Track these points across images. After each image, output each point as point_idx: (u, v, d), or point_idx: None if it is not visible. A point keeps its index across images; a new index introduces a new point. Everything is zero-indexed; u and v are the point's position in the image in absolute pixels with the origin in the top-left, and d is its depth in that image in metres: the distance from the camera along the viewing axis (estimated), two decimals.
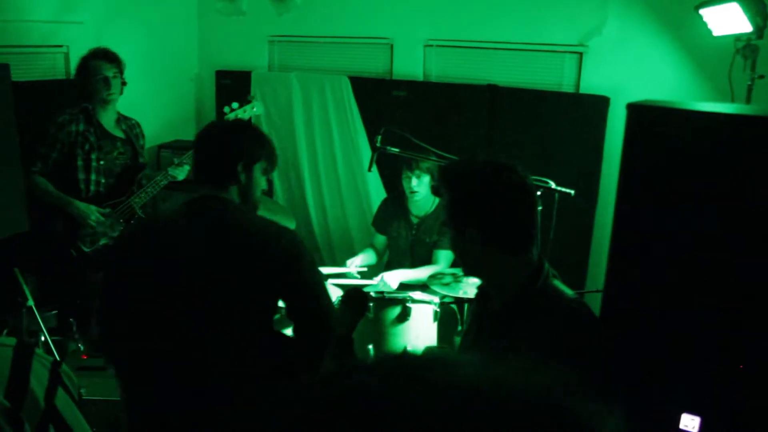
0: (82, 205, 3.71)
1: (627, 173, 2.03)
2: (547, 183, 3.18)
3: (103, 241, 3.81)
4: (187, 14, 5.67)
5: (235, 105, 3.91)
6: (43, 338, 3.68)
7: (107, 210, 3.79)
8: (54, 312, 3.99)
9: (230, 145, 2.28)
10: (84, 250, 3.79)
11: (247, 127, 2.40)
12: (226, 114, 3.89)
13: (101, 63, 3.72)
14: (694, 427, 2.00)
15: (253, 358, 2.18)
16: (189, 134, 5.64)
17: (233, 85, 5.45)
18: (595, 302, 4.09)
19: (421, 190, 3.94)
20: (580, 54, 4.47)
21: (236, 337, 2.15)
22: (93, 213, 3.72)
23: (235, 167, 2.24)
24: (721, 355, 1.95)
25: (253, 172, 2.30)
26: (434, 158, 3.44)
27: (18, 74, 3.70)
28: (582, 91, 4.47)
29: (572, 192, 3.20)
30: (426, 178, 3.94)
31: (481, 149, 4.53)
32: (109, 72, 3.72)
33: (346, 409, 0.50)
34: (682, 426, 2.01)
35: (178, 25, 5.58)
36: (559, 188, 3.18)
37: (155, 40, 5.18)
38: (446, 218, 1.94)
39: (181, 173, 3.86)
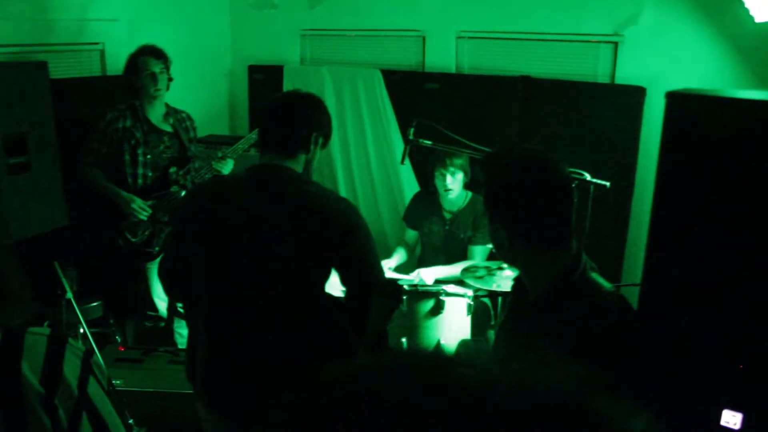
0: (126, 195, 3.88)
1: (666, 164, 1.99)
2: (582, 175, 3.15)
3: (147, 232, 3.96)
4: (219, 10, 5.71)
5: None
6: (81, 330, 3.75)
7: (151, 202, 3.93)
8: (97, 303, 4.07)
9: (308, 116, 2.35)
10: (131, 241, 3.92)
11: (321, 100, 2.44)
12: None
13: (148, 59, 3.88)
14: (735, 424, 1.95)
15: (304, 320, 2.26)
16: (223, 129, 5.69)
17: (266, 79, 5.48)
18: (632, 296, 4.04)
19: (455, 187, 3.91)
20: (616, 43, 4.39)
21: (289, 297, 2.24)
22: (135, 201, 3.87)
23: (310, 136, 2.31)
24: (763, 350, 1.90)
25: (319, 144, 2.37)
26: (467, 151, 3.41)
27: (55, 71, 3.76)
28: (617, 81, 4.40)
29: (608, 184, 3.16)
30: (459, 175, 3.91)
31: (514, 141, 4.48)
32: (156, 68, 3.88)
33: (356, 412, 0.49)
34: (723, 422, 1.97)
35: (211, 21, 5.62)
36: (594, 180, 3.14)
37: (188, 36, 5.22)
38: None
39: (225, 167, 3.95)
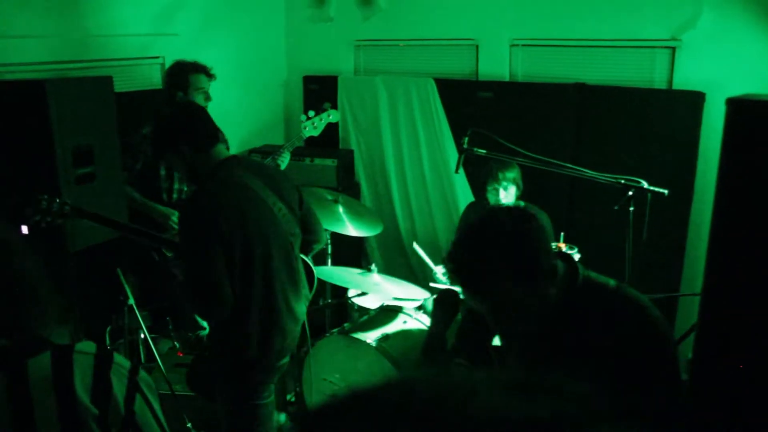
0: (164, 209, 3.87)
1: (727, 171, 1.95)
2: (640, 183, 3.10)
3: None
4: (275, 22, 5.81)
5: (311, 113, 4.02)
6: (142, 335, 3.85)
7: None
8: (146, 312, 4.17)
9: None
10: (167, 255, 3.96)
11: None
12: (302, 122, 4.00)
13: (201, 77, 3.90)
14: None
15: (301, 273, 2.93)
16: (278, 139, 5.78)
17: (320, 90, 5.55)
18: (691, 306, 3.95)
19: (508, 201, 3.90)
20: (673, 49, 4.32)
21: (297, 259, 2.88)
22: (173, 215, 3.85)
23: None
24: None
25: None
26: (522, 160, 3.39)
27: (119, 85, 3.89)
28: (675, 87, 4.32)
29: (666, 191, 3.10)
30: (512, 188, 3.90)
31: (569, 149, 4.44)
32: (207, 85, 3.92)
33: None
34: None
35: (267, 34, 5.73)
36: (651, 188, 3.09)
37: (245, 49, 5.34)
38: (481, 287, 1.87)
39: (284, 161, 3.95)
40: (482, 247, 1.78)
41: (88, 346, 1.49)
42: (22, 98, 3.23)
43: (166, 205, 3.90)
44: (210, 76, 3.95)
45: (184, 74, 3.91)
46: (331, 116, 4.10)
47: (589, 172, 3.20)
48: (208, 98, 3.93)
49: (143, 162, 3.87)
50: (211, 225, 2.53)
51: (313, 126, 4.00)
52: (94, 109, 3.37)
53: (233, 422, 2.87)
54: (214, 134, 2.76)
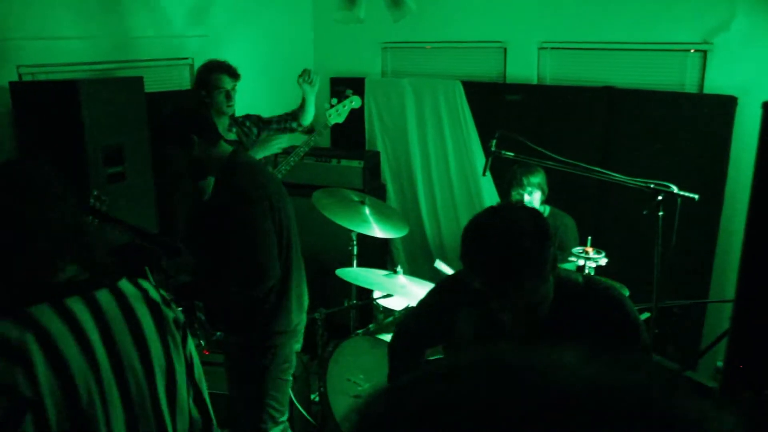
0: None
1: (762, 176, 1.92)
2: (669, 187, 3.06)
3: None
4: (302, 24, 5.84)
5: (334, 101, 4.08)
6: None
7: None
8: (180, 309, 4.21)
9: None
10: (174, 257, 4.00)
11: None
12: (327, 110, 4.05)
13: (224, 77, 3.91)
14: None
15: None
16: (303, 139, 5.80)
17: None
18: (720, 313, 3.90)
19: (533, 206, 3.87)
20: (705, 52, 4.27)
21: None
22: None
23: None
24: None
25: None
26: (550, 163, 3.37)
27: (149, 86, 3.93)
28: (706, 91, 4.26)
29: (696, 197, 3.06)
30: (537, 193, 3.87)
31: (597, 153, 4.41)
32: (230, 86, 3.91)
33: (433, 421, 0.48)
34: None
35: (294, 34, 5.76)
36: (681, 192, 3.05)
37: (273, 50, 5.37)
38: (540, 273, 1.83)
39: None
40: (548, 235, 1.79)
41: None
42: (55, 98, 3.30)
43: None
44: (234, 76, 3.95)
45: (208, 73, 3.95)
46: (354, 102, 4.14)
47: (618, 176, 3.17)
48: (229, 98, 3.92)
49: None
50: (264, 201, 2.76)
51: (337, 113, 4.07)
52: (125, 109, 3.42)
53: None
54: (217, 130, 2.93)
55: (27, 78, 3.76)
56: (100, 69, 4.11)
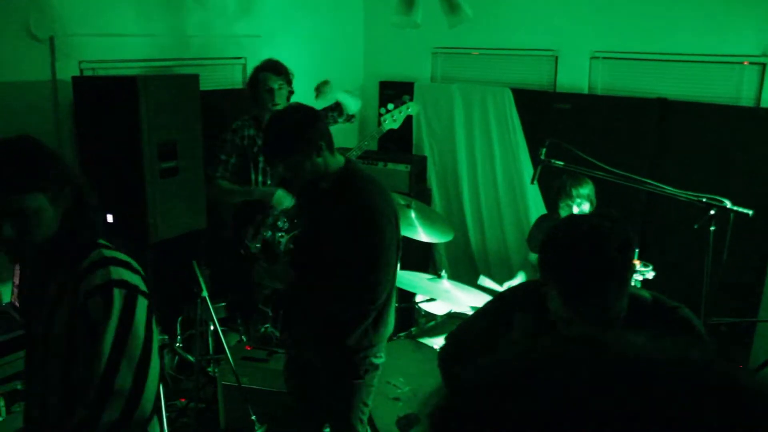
0: (265, 189, 3.99)
1: None
2: (722, 202, 3.01)
3: (267, 234, 4.03)
4: (354, 27, 5.90)
5: (390, 106, 4.07)
6: (212, 327, 3.95)
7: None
8: (223, 304, 4.28)
9: None
10: (251, 251, 4.04)
11: None
12: (382, 115, 4.04)
13: (269, 75, 3.97)
14: None
15: None
16: (351, 142, 5.84)
17: (396, 95, 5.55)
18: None
19: None
20: (763, 65, 4.18)
21: None
22: (278, 190, 3.93)
23: None
24: None
25: None
26: (600, 173, 3.33)
27: (203, 84, 4.01)
28: (764, 105, 4.18)
29: (750, 212, 3.00)
30: (585, 205, 3.81)
31: (647, 165, 4.35)
32: (275, 84, 3.96)
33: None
34: None
35: (345, 37, 5.81)
36: (735, 207, 2.99)
37: (324, 52, 5.43)
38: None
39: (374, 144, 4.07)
40: (632, 245, 1.74)
41: None
42: (115, 93, 3.38)
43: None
44: (278, 73, 3.98)
45: (256, 71, 4.02)
46: (410, 108, 4.13)
47: (671, 189, 3.12)
48: (272, 95, 3.95)
49: (237, 155, 4.00)
50: (393, 219, 2.65)
51: (393, 119, 4.05)
52: (181, 105, 3.48)
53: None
54: None
55: (88, 73, 3.88)
56: (158, 66, 4.21)
